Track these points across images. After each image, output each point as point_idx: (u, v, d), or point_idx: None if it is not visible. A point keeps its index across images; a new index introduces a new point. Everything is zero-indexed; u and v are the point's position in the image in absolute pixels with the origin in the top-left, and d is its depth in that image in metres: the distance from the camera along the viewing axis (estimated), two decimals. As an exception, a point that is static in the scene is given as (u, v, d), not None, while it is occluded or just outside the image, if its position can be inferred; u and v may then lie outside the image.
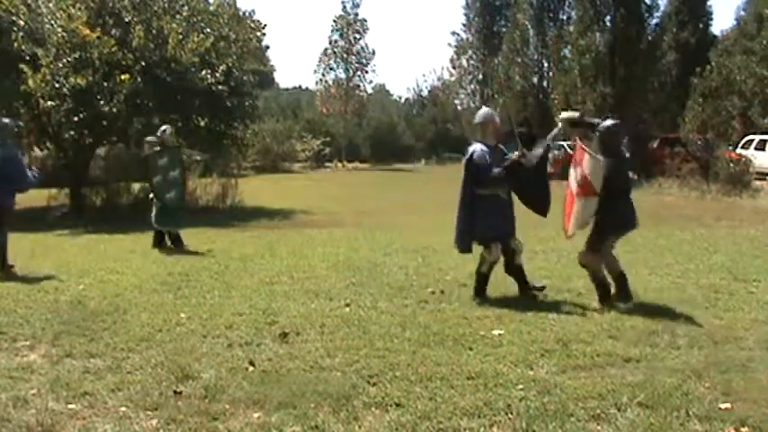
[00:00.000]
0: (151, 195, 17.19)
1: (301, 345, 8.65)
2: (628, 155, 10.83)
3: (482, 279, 11.19)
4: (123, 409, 6.59)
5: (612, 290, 10.64)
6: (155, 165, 17.07)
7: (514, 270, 11.33)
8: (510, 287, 11.68)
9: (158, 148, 17.19)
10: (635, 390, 7.00)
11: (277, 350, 8.40)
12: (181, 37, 25.44)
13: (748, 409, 6.62)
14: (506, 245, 11.15)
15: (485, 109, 12.19)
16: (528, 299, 10.99)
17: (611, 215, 10.56)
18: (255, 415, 6.43)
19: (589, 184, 10.42)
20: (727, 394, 7.00)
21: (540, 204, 11.37)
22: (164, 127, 17.72)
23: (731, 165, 35.76)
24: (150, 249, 16.47)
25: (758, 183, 35.47)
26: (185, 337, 9.00)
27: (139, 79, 23.92)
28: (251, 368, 7.70)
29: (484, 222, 11.00)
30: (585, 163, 10.47)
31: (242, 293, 11.55)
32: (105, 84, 23.51)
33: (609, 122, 10.76)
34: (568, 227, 11.00)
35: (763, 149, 38.19)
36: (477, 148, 11.18)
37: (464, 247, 11.33)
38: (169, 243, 16.80)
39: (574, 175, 10.69)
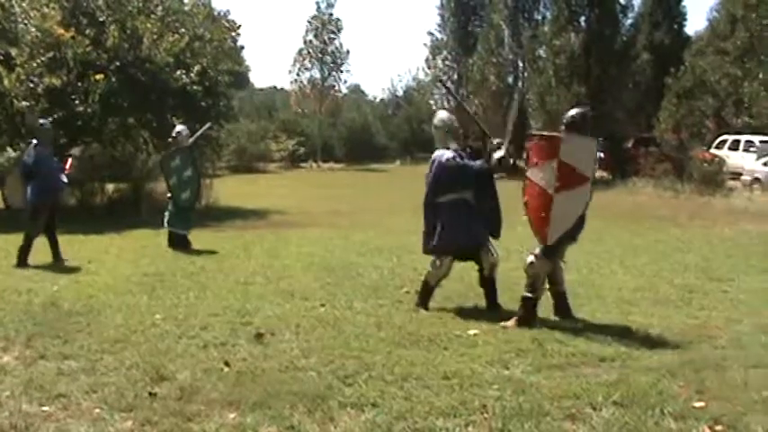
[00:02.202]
0: (169, 195, 17.11)
1: (276, 345, 8.64)
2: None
3: (428, 290, 10.72)
4: (98, 410, 6.56)
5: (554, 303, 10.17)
6: (168, 167, 17.15)
7: (487, 284, 10.74)
8: (476, 287, 11.74)
9: (173, 149, 17.31)
10: (610, 389, 7.03)
11: (252, 351, 8.40)
12: (155, 37, 25.35)
13: (722, 407, 6.67)
14: (477, 258, 10.62)
15: (444, 113, 11.59)
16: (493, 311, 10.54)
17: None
18: (231, 416, 6.43)
19: (573, 171, 9.46)
20: (702, 393, 7.05)
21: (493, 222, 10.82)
22: (179, 128, 17.75)
23: (705, 164, 35.96)
24: (125, 250, 16.40)
25: (731, 182, 35.70)
26: (160, 338, 8.97)
27: (114, 79, 23.81)
28: (226, 369, 7.69)
29: (440, 233, 10.38)
30: (563, 149, 9.56)
31: (217, 294, 11.54)
32: (80, 84, 23.42)
33: (575, 110, 10.04)
34: (546, 233, 9.67)
35: (737, 149, 38.42)
36: (444, 153, 10.54)
37: (429, 250, 10.87)
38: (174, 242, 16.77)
39: (540, 174, 9.75)
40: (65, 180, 15.16)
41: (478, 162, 10.40)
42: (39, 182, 14.42)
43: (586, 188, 9.47)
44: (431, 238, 10.57)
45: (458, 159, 10.39)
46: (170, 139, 17.42)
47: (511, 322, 9.58)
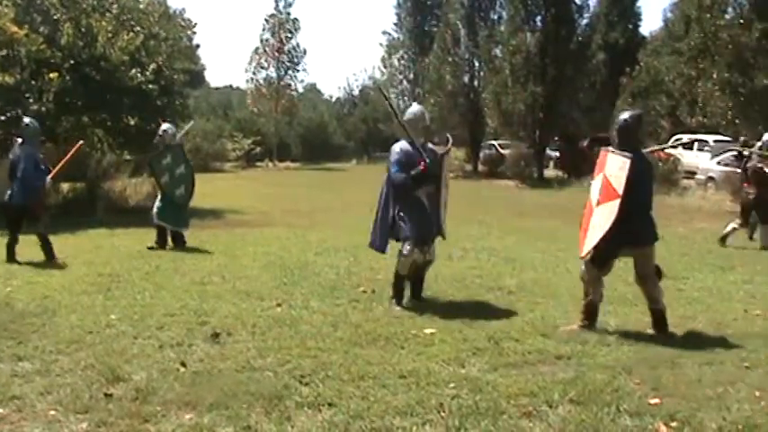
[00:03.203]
0: (160, 196, 16.99)
1: (233, 345, 8.63)
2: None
3: (401, 282, 10.84)
4: (52, 412, 6.52)
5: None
6: (159, 165, 17.04)
7: (418, 278, 10.96)
8: (442, 286, 11.77)
9: (161, 149, 17.21)
10: (566, 387, 7.09)
11: (208, 351, 8.38)
12: (110, 35, 25.13)
13: (677, 403, 6.75)
14: (422, 250, 10.65)
15: (415, 106, 11.72)
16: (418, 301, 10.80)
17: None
18: (187, 416, 6.41)
19: (609, 185, 9.40)
20: (657, 389, 7.14)
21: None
22: (164, 126, 17.68)
23: (660, 164, 36.22)
24: (80, 250, 16.25)
25: (686, 181, 36.01)
26: (116, 338, 8.92)
27: (68, 78, 23.58)
28: (182, 369, 7.66)
29: (404, 221, 10.55)
30: (608, 162, 9.56)
31: (173, 294, 11.47)
32: (33, 82, 23.15)
33: (627, 114, 9.92)
34: (582, 245, 9.68)
35: (691, 149, 38.74)
36: (398, 147, 10.78)
37: (378, 245, 10.98)
38: (170, 242, 16.68)
39: (595, 185, 9.77)
40: (47, 179, 15.02)
41: (402, 175, 10.53)
42: (19, 180, 14.44)
43: (616, 204, 9.21)
44: (386, 233, 10.75)
45: (404, 159, 10.57)
46: (156, 138, 17.31)
47: (571, 327, 9.50)
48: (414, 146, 10.63)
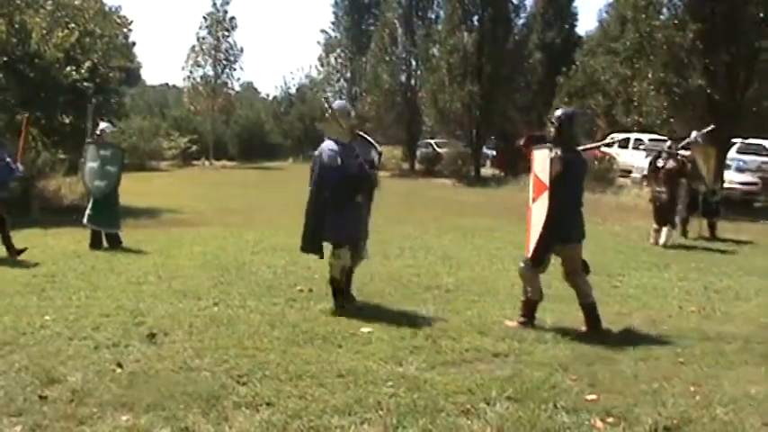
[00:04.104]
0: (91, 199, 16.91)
1: (169, 345, 8.57)
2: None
3: (339, 285, 10.56)
4: (-15, 415, 6.43)
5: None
6: (95, 152, 16.89)
7: (350, 276, 10.77)
8: (379, 285, 11.78)
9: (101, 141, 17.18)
10: (503, 384, 7.14)
11: (145, 351, 8.31)
12: (45, 32, 24.85)
13: (613, 399, 6.84)
14: (355, 249, 10.54)
15: (339, 101, 11.42)
16: (351, 302, 10.61)
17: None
18: (124, 418, 6.35)
19: (538, 181, 9.56)
20: (593, 386, 7.22)
21: None
22: (103, 125, 17.73)
23: (596, 162, 36.59)
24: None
25: (622, 180, 36.44)
26: (50, 339, 8.81)
27: (1, 75, 23.33)
28: (118, 370, 7.59)
29: (335, 223, 10.21)
30: (534, 159, 9.70)
31: (109, 294, 11.36)
32: (-34, 79, 22.94)
33: (560, 111, 10.23)
34: (527, 245, 9.77)
35: (627, 147, 39.18)
36: (326, 147, 10.39)
37: (312, 248, 10.64)
38: (105, 244, 16.50)
39: (531, 184, 9.86)
40: (17, 173, 15.38)
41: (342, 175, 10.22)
42: None
43: (546, 196, 9.31)
44: (318, 234, 10.43)
45: (338, 160, 10.23)
46: (95, 136, 17.15)
47: (512, 323, 9.63)
48: (345, 144, 10.40)
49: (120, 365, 7.73)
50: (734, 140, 30.11)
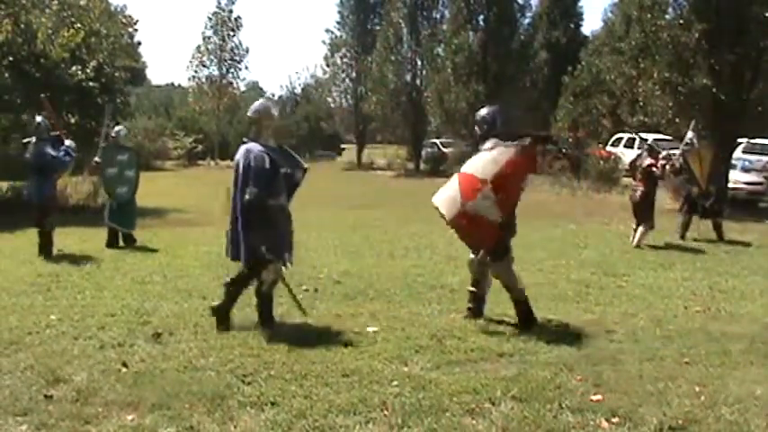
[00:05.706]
0: (107, 194, 17.13)
1: (175, 345, 8.58)
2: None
3: (269, 301, 9.77)
4: (-8, 414, 6.44)
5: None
6: (112, 157, 17.20)
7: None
8: (385, 284, 11.78)
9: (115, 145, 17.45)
10: (508, 384, 7.14)
11: (150, 351, 8.32)
12: (50, 32, 24.86)
13: (618, 399, 6.83)
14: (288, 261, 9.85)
15: (260, 101, 10.26)
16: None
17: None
18: (129, 417, 6.36)
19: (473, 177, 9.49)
20: (599, 386, 7.21)
21: None
22: (118, 128, 17.94)
23: (601, 162, 36.58)
24: (19, 250, 16.05)
25: (627, 180, 36.36)
26: (56, 339, 8.83)
27: (7, 75, 23.33)
28: (124, 369, 7.61)
29: (267, 233, 9.29)
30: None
31: (114, 293, 11.39)
32: (-28, 79, 22.94)
33: (485, 110, 10.20)
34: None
35: (632, 147, 39.12)
36: (254, 149, 9.41)
37: (237, 256, 9.86)
38: (122, 242, 16.81)
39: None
40: (67, 154, 15.37)
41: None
42: (43, 176, 15.22)
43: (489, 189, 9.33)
44: (245, 243, 9.54)
45: (267, 163, 9.32)
46: (110, 139, 17.26)
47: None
48: (274, 150, 9.61)
49: (125, 365, 7.75)
50: (739, 140, 30.03)
